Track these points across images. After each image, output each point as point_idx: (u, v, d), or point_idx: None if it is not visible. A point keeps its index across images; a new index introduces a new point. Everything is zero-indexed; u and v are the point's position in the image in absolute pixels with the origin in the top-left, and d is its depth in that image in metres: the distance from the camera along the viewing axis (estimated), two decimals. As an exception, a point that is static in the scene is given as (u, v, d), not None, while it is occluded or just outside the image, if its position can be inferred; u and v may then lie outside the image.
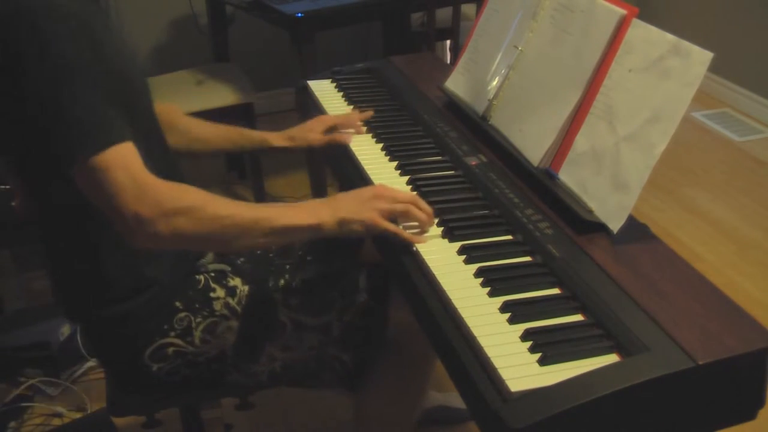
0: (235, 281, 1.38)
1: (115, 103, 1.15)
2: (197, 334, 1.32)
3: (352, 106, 1.77)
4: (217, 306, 1.34)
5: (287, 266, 1.46)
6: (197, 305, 1.34)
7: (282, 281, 1.39)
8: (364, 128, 1.66)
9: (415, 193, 1.36)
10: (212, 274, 1.39)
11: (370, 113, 1.70)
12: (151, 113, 1.34)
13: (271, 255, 1.54)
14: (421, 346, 1.41)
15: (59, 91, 1.10)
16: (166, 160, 1.32)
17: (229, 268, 1.41)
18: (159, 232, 1.13)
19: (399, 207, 1.25)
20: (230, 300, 1.35)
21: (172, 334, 1.31)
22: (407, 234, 1.24)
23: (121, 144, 1.13)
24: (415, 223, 1.27)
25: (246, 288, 1.37)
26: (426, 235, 1.26)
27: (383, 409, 1.47)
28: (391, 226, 1.23)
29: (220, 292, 1.36)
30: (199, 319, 1.33)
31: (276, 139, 1.63)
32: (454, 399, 1.94)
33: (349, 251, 1.49)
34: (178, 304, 1.33)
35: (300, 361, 1.38)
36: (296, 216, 1.22)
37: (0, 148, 1.23)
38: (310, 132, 1.64)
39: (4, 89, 1.12)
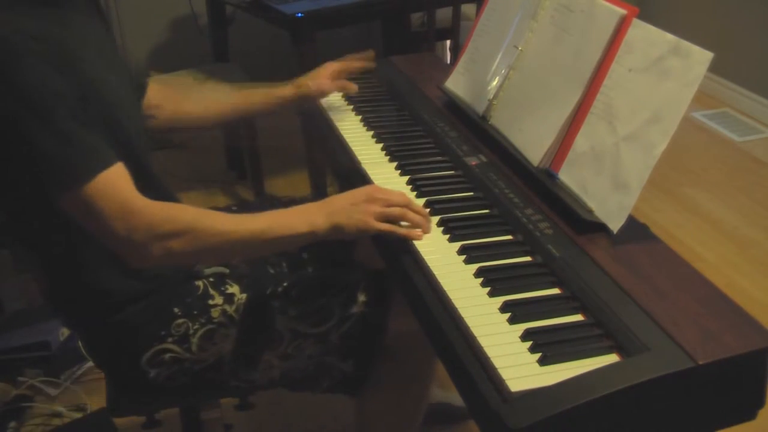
0: (233, 288, 1.37)
1: (97, 126, 1.12)
2: (194, 341, 1.32)
3: (352, 106, 1.77)
4: (215, 313, 1.33)
5: (284, 264, 1.46)
6: (195, 312, 1.33)
7: (280, 289, 1.38)
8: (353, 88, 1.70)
9: (413, 194, 1.36)
10: (211, 279, 1.38)
11: (371, 54, 1.74)
12: (138, 130, 1.30)
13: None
14: (420, 353, 1.41)
15: (33, 128, 1.07)
16: (149, 172, 1.30)
17: (227, 271, 1.40)
18: (152, 254, 1.12)
19: (394, 211, 1.24)
20: (228, 308, 1.34)
21: (170, 340, 1.31)
22: (403, 230, 1.23)
23: (106, 170, 1.10)
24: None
25: (244, 296, 1.36)
26: (422, 232, 1.25)
27: (384, 415, 1.47)
28: (384, 226, 1.23)
29: (218, 299, 1.35)
30: (196, 326, 1.32)
31: (283, 89, 1.61)
32: (456, 397, 1.94)
33: (344, 248, 1.49)
34: (176, 310, 1.32)
35: (299, 369, 1.37)
36: (290, 225, 1.21)
37: None
38: (319, 78, 1.64)
39: None
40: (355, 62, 1.73)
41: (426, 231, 1.25)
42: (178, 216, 1.15)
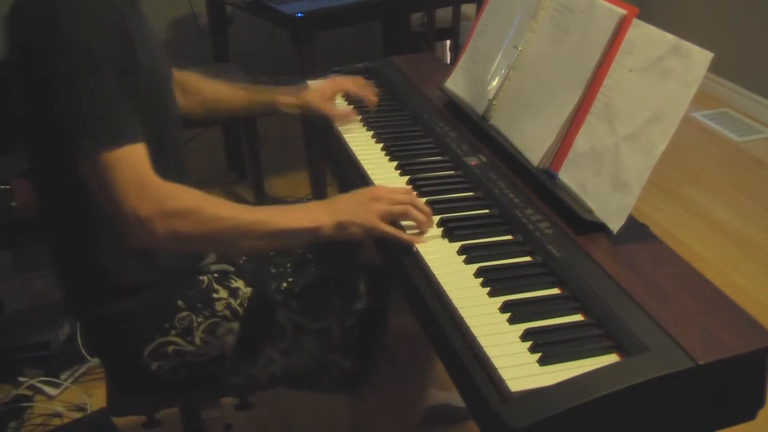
0: (238, 283, 1.38)
1: (137, 100, 1.16)
2: (198, 333, 1.32)
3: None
4: (219, 307, 1.34)
5: (288, 264, 1.46)
6: (199, 305, 1.33)
7: (284, 284, 1.39)
8: (359, 119, 1.70)
9: (414, 192, 1.36)
10: (215, 275, 1.39)
11: (374, 99, 1.72)
12: (174, 109, 1.35)
13: (271, 253, 1.54)
14: (419, 351, 1.41)
15: (80, 83, 1.11)
16: (178, 157, 1.34)
17: (232, 269, 1.41)
18: (156, 232, 1.14)
19: (397, 209, 1.24)
20: (232, 301, 1.35)
21: (173, 332, 1.31)
22: (407, 236, 1.24)
23: (132, 145, 1.13)
24: (414, 224, 1.26)
25: (249, 290, 1.37)
26: (425, 235, 1.26)
27: (382, 413, 1.47)
28: (389, 229, 1.23)
29: (222, 293, 1.36)
30: (200, 319, 1.33)
31: (287, 105, 1.65)
32: (456, 397, 1.94)
33: (349, 250, 1.50)
34: (180, 303, 1.33)
35: (299, 365, 1.37)
36: (294, 219, 1.22)
37: (18, 137, 1.26)
38: (324, 99, 1.67)
39: (30, 75, 1.14)
40: (363, 90, 1.72)
41: (429, 225, 1.26)
42: (184, 195, 1.18)
